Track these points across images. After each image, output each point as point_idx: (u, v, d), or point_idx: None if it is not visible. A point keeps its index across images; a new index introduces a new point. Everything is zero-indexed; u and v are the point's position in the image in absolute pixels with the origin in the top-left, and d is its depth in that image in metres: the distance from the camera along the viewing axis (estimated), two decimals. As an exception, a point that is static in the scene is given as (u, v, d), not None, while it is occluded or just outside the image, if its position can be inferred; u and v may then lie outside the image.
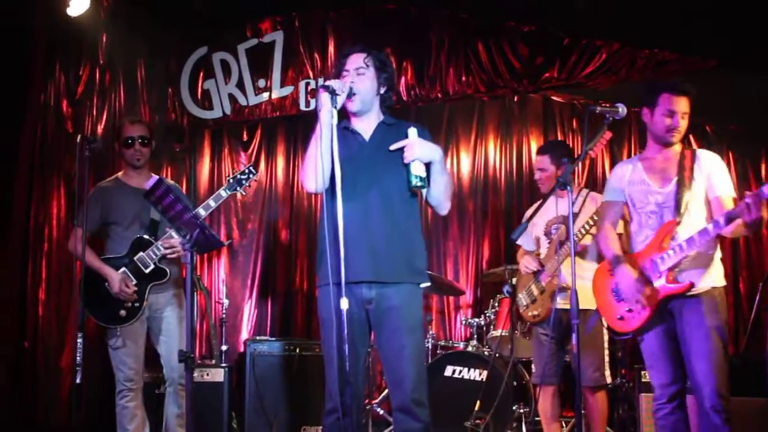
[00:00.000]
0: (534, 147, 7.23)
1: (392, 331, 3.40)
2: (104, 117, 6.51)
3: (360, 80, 3.51)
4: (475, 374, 5.51)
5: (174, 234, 4.41)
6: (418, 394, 3.38)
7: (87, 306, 4.49)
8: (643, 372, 5.31)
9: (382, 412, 5.92)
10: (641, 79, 6.04)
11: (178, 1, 6.48)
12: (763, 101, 5.81)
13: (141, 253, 4.54)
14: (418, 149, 3.40)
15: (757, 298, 5.67)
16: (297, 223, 6.94)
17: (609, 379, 4.91)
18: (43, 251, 6.21)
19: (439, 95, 6.35)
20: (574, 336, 3.51)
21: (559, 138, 7.15)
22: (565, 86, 6.39)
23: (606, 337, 4.84)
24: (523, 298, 5.11)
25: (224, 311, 6.10)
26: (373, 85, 3.56)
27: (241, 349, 6.40)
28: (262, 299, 6.82)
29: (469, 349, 5.80)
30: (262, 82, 6.56)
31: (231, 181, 4.67)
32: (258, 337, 6.32)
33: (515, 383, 5.56)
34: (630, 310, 3.86)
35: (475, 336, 6.00)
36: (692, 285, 3.73)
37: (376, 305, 3.41)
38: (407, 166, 3.41)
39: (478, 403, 5.22)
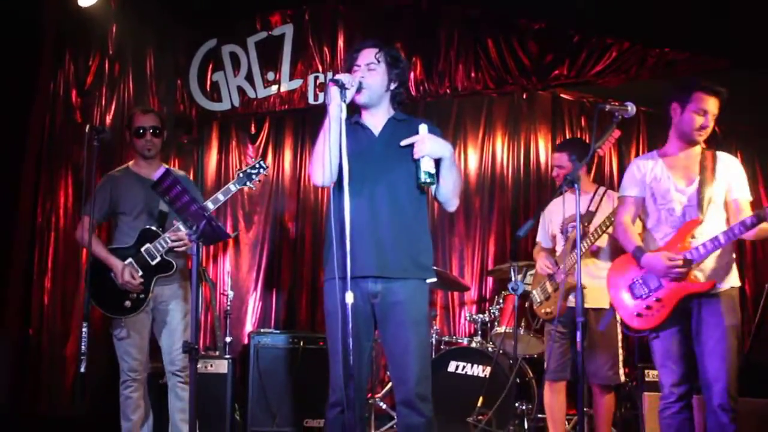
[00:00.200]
0: (542, 144, 7.24)
1: (397, 326, 3.41)
2: (113, 107, 6.52)
3: (370, 75, 3.51)
4: (479, 370, 5.52)
5: (181, 227, 4.41)
6: (422, 389, 3.38)
7: (92, 296, 4.50)
8: (646, 371, 5.32)
9: (384, 406, 5.93)
10: (651, 78, 6.02)
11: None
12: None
13: (148, 245, 4.54)
14: (429, 145, 3.39)
15: (763, 299, 5.66)
16: (303, 216, 6.94)
17: (623, 378, 4.91)
18: (49, 240, 6.22)
19: (448, 91, 6.33)
20: (578, 334, 3.50)
21: (567, 135, 7.16)
22: (575, 84, 6.37)
23: (620, 336, 4.84)
24: (537, 295, 5.12)
25: (229, 303, 6.11)
26: (384, 80, 3.55)
27: (246, 341, 6.41)
28: (267, 292, 6.82)
29: (473, 345, 5.80)
30: (271, 75, 6.55)
31: (241, 175, 4.66)
32: (262, 330, 6.33)
33: (518, 380, 5.56)
34: (649, 308, 3.87)
35: (480, 332, 6.00)
36: (715, 284, 3.75)
37: (382, 299, 3.41)
38: (417, 161, 3.41)
39: (481, 399, 5.22)
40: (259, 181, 4.74)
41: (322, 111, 3.46)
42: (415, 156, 3.41)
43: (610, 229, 4.65)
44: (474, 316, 6.14)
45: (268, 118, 6.98)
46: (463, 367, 5.56)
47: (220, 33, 6.64)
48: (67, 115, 6.39)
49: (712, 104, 3.86)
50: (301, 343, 5.83)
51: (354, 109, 3.50)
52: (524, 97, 7.20)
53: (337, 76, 3.30)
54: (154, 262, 4.54)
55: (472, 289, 6.92)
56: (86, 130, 4.61)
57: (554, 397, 4.96)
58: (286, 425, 5.72)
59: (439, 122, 6.66)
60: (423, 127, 3.44)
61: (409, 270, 3.44)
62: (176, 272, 4.61)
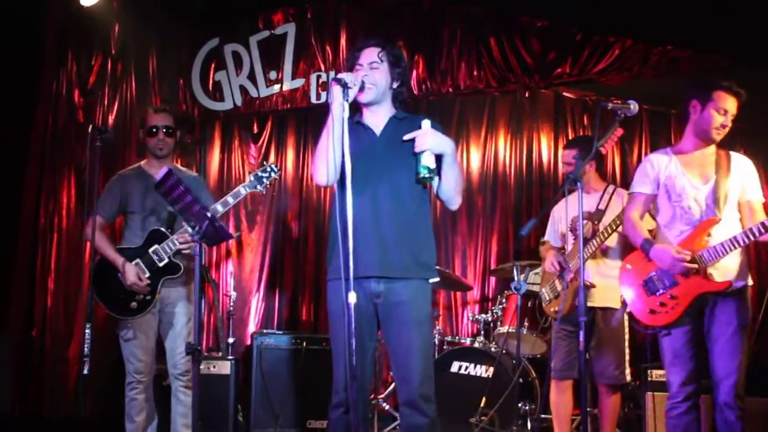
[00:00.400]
0: (545, 143, 7.23)
1: (400, 326, 3.40)
2: (115, 107, 6.52)
3: (373, 74, 3.50)
4: (482, 370, 5.51)
5: (189, 229, 4.38)
6: (425, 389, 3.38)
7: (99, 296, 4.49)
8: (650, 371, 5.31)
9: (387, 407, 5.92)
10: (654, 76, 6.01)
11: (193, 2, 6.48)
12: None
13: (156, 246, 4.51)
14: (430, 139, 3.39)
15: (766, 299, 5.63)
16: (306, 216, 6.93)
17: (629, 378, 4.90)
18: (52, 241, 6.22)
19: (451, 89, 6.32)
20: (581, 333, 3.49)
21: (570, 134, 7.15)
22: (577, 82, 6.35)
23: (627, 336, 4.84)
24: (546, 293, 5.12)
25: (232, 304, 6.11)
26: (386, 79, 3.55)
27: (248, 342, 6.40)
28: (269, 292, 6.81)
29: (476, 345, 5.80)
30: (273, 74, 6.55)
31: (252, 178, 4.63)
32: (265, 330, 6.31)
33: (521, 380, 5.55)
34: (663, 304, 3.88)
35: (482, 332, 5.99)
36: (731, 284, 3.77)
37: (385, 299, 3.40)
38: (417, 156, 3.40)
39: (483, 399, 5.21)
40: (270, 184, 4.70)
41: (324, 110, 3.46)
42: (416, 150, 3.40)
43: (620, 228, 4.64)
44: (477, 316, 6.13)
45: (270, 118, 6.97)
46: (466, 368, 5.55)
47: (222, 32, 6.63)
48: (70, 115, 6.40)
49: (731, 104, 3.88)
50: (304, 344, 5.83)
51: (355, 109, 3.49)
52: (527, 95, 7.19)
53: (340, 75, 3.30)
54: (161, 264, 4.51)
55: (474, 288, 6.91)
56: (89, 131, 4.61)
57: (560, 396, 4.95)
58: (289, 426, 5.72)
59: (441, 121, 6.58)
60: (426, 123, 3.44)
61: (412, 270, 3.43)
62: (183, 274, 4.58)
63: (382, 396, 5.97)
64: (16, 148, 6.10)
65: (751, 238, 3.70)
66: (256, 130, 7.01)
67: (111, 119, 6.48)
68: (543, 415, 5.50)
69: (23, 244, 6.14)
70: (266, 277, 6.82)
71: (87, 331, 4.37)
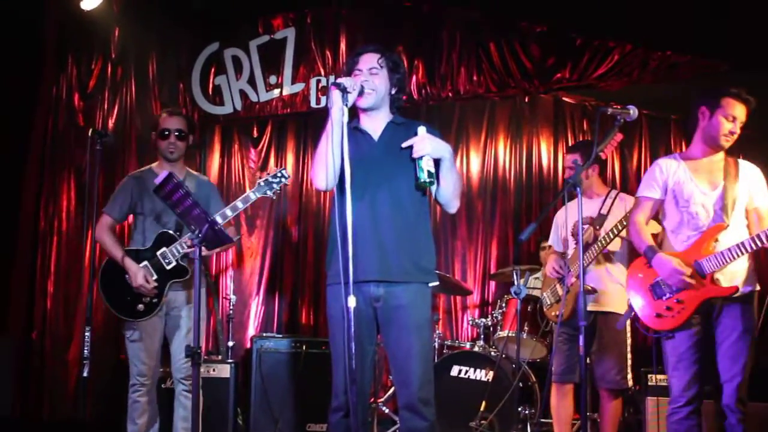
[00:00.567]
0: (544, 148, 7.24)
1: (400, 330, 3.40)
2: (115, 111, 6.53)
3: (372, 80, 3.51)
4: (482, 374, 5.51)
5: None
6: (425, 393, 3.38)
7: (106, 297, 4.48)
8: (650, 375, 5.31)
9: (387, 410, 5.92)
10: (653, 81, 6.02)
11: (190, 4, 6.48)
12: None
13: (164, 248, 4.49)
14: (429, 144, 3.39)
15: (766, 303, 5.64)
16: (306, 220, 6.94)
17: (630, 383, 4.90)
18: (52, 244, 6.23)
19: (450, 94, 6.33)
20: (581, 338, 3.49)
21: (570, 139, 7.16)
22: (577, 87, 6.35)
23: (629, 341, 4.84)
24: (547, 298, 5.12)
25: (231, 307, 6.11)
26: (386, 85, 3.56)
27: (248, 345, 6.40)
28: (269, 296, 6.82)
29: (476, 349, 5.80)
30: (273, 79, 6.55)
31: (261, 183, 4.59)
32: (265, 334, 6.32)
33: (521, 384, 5.55)
34: (669, 308, 3.89)
35: (482, 336, 5.99)
36: (737, 289, 3.79)
37: (384, 303, 3.41)
38: (416, 161, 3.41)
39: (483, 403, 5.21)
40: (280, 190, 4.67)
41: (324, 114, 3.46)
42: (415, 155, 3.40)
43: (623, 233, 4.66)
44: (476, 320, 6.14)
45: (270, 122, 6.98)
46: (466, 372, 5.55)
47: (222, 37, 6.64)
48: (70, 119, 6.41)
49: (740, 111, 3.90)
50: (304, 348, 5.83)
51: (352, 114, 3.49)
52: (526, 100, 7.20)
53: (339, 80, 3.30)
54: (169, 267, 4.49)
55: (474, 293, 6.91)
56: (89, 134, 4.62)
57: (561, 400, 4.95)
58: (288, 429, 5.72)
59: (441, 126, 6.65)
60: (422, 129, 3.44)
61: (412, 274, 3.44)
62: (190, 278, 4.55)
63: (382, 400, 5.96)
64: (17, 151, 6.10)
65: (759, 244, 3.72)
66: (255, 134, 7.02)
67: (111, 123, 6.49)
68: (543, 420, 5.50)
69: (23, 246, 6.15)
70: (266, 280, 6.82)
71: (87, 333, 4.38)
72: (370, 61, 3.54)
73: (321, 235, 6.77)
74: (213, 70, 6.62)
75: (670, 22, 5.63)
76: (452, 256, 7.04)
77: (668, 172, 4.03)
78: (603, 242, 4.72)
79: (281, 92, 6.53)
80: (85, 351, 4.39)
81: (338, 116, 3.26)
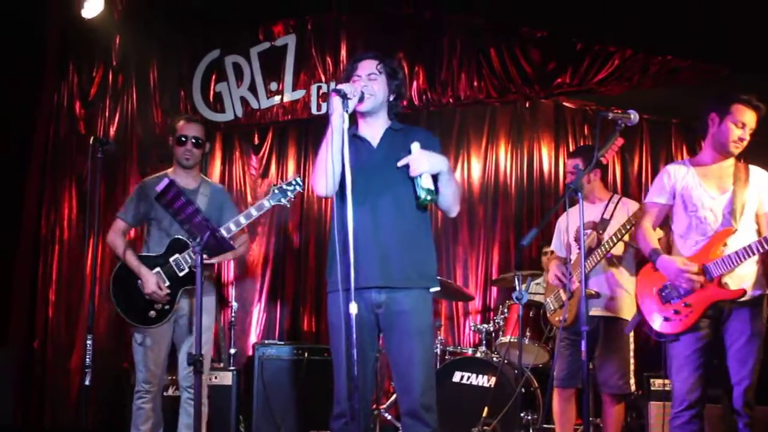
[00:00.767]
0: (545, 153, 7.23)
1: (402, 336, 3.40)
2: (117, 119, 6.55)
3: (372, 85, 3.51)
4: (484, 380, 5.50)
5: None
6: (427, 399, 3.37)
7: (117, 303, 4.46)
8: (652, 380, 5.31)
9: (389, 417, 5.90)
10: (654, 86, 6.02)
11: (190, 4, 6.49)
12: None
13: (177, 255, 4.46)
14: (425, 163, 3.38)
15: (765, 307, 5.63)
16: (307, 227, 6.94)
17: (633, 387, 4.89)
18: (54, 252, 6.24)
19: (451, 100, 6.33)
20: (583, 343, 3.48)
21: (570, 143, 7.16)
22: (577, 92, 6.36)
23: (632, 346, 4.83)
24: (551, 303, 5.11)
25: (233, 314, 6.11)
26: (384, 91, 3.56)
27: (250, 352, 6.40)
28: (271, 303, 6.81)
29: (478, 355, 5.78)
30: (274, 86, 6.56)
31: (276, 191, 4.57)
32: (267, 341, 6.31)
33: (523, 390, 5.54)
34: (677, 312, 3.88)
35: (484, 342, 5.98)
36: (745, 292, 3.79)
37: (386, 309, 3.40)
38: (414, 180, 3.40)
39: (486, 409, 5.20)
40: (294, 197, 4.65)
41: (324, 121, 3.46)
42: (412, 174, 3.39)
43: (626, 237, 4.66)
44: (478, 326, 6.13)
45: (271, 129, 6.99)
46: (468, 378, 5.54)
47: (223, 44, 6.66)
48: (71, 127, 6.43)
49: (750, 117, 3.91)
50: (306, 355, 5.82)
51: (351, 120, 3.49)
52: (527, 105, 7.20)
53: (340, 86, 3.30)
54: (181, 274, 4.46)
55: (476, 298, 6.90)
56: (90, 142, 4.62)
57: (563, 405, 4.94)
58: (290, 436, 5.72)
59: (442, 131, 6.69)
60: (415, 146, 3.41)
61: (413, 280, 3.43)
62: (203, 285, 4.53)
63: (384, 406, 5.95)
64: (18, 159, 6.12)
65: (766, 247, 3.71)
66: (256, 141, 7.03)
67: (112, 130, 6.51)
68: (545, 425, 5.48)
69: (24, 254, 6.16)
70: (267, 287, 6.82)
71: (89, 341, 4.36)
72: (368, 67, 3.55)
73: (322, 241, 6.77)
74: (214, 77, 6.64)
75: (671, 27, 5.63)
76: (454, 261, 7.03)
77: (676, 178, 4.04)
78: (606, 246, 4.71)
79: (282, 99, 6.55)
80: (87, 359, 4.37)
81: (339, 123, 3.26)
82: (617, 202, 4.97)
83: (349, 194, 3.09)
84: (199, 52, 6.67)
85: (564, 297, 4.94)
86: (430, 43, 6.36)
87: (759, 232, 3.91)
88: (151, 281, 4.40)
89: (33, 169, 6.24)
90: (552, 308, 5.12)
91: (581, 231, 3.66)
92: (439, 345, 5.97)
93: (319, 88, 6.49)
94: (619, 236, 4.66)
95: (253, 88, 6.59)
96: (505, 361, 5.57)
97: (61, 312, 6.17)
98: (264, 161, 6.98)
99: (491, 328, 6.02)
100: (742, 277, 3.83)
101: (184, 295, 4.51)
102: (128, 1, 6.53)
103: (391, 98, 3.60)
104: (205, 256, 4.39)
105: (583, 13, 5.82)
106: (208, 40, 6.68)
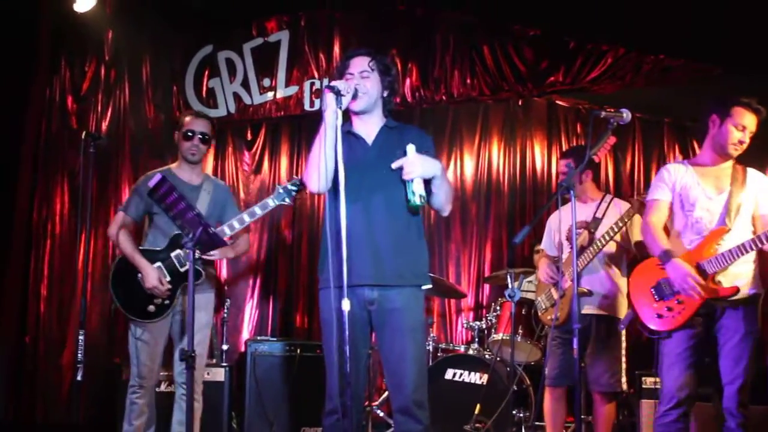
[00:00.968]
0: (538, 151, 7.24)
1: (394, 333, 3.41)
2: (109, 113, 6.53)
3: (364, 83, 3.51)
4: (476, 378, 5.51)
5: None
6: (419, 396, 3.38)
7: (116, 296, 4.43)
8: (644, 378, 5.32)
9: (382, 414, 5.91)
10: (646, 85, 6.04)
11: (188, 1, 6.47)
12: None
13: (179, 251, 4.43)
14: (419, 167, 3.37)
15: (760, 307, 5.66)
16: (299, 223, 6.93)
17: (625, 386, 4.90)
18: (45, 247, 6.22)
19: (444, 98, 6.34)
20: (575, 340, 3.49)
21: (563, 142, 7.17)
22: (570, 90, 6.38)
23: (624, 344, 4.85)
24: (542, 302, 5.12)
25: (226, 311, 6.10)
26: (378, 88, 3.56)
27: (242, 348, 6.39)
28: (263, 299, 6.80)
29: (470, 352, 5.79)
30: (267, 82, 6.55)
31: (281, 191, 4.55)
32: (259, 337, 6.31)
33: (515, 388, 5.55)
34: (670, 309, 3.90)
35: (477, 339, 5.99)
36: (738, 290, 3.80)
37: (379, 307, 3.41)
38: (407, 183, 3.39)
39: (478, 406, 5.21)
40: (298, 197, 4.64)
41: (317, 117, 3.46)
42: (405, 178, 3.38)
43: (617, 237, 4.68)
44: (471, 323, 6.13)
45: (264, 125, 6.97)
46: (460, 375, 5.55)
47: (216, 39, 6.64)
48: (63, 121, 6.41)
49: (750, 120, 3.93)
50: (298, 351, 5.82)
51: (345, 117, 3.49)
52: (520, 103, 7.20)
53: (333, 83, 3.30)
54: (183, 269, 4.43)
55: (468, 296, 6.91)
56: (82, 137, 4.60)
57: (554, 404, 4.95)
58: (282, 433, 5.72)
59: (434, 129, 6.69)
60: (411, 148, 3.40)
61: (406, 277, 3.44)
62: (203, 281, 4.52)
63: (377, 403, 5.96)
64: (10, 154, 6.09)
65: (759, 245, 3.73)
66: (249, 137, 7.01)
67: (104, 125, 6.49)
68: (537, 423, 5.50)
69: (16, 249, 6.13)
70: (260, 284, 6.81)
71: (80, 337, 4.35)
72: (360, 64, 3.54)
73: (315, 238, 6.76)
74: (207, 72, 6.62)
75: (664, 26, 5.65)
76: (446, 259, 7.03)
77: (676, 176, 4.06)
78: (598, 245, 4.72)
79: (275, 95, 6.54)
80: (79, 355, 4.36)
81: (332, 119, 3.26)
82: (609, 202, 4.98)
83: (342, 192, 3.09)
84: (192, 48, 6.65)
85: (555, 296, 4.95)
86: (423, 41, 6.36)
87: (755, 233, 3.92)
88: (153, 276, 4.37)
89: (25, 164, 6.22)
90: (543, 307, 5.13)
91: (573, 229, 3.67)
92: (431, 342, 5.97)
93: (312, 84, 6.49)
94: (612, 234, 4.67)
95: (246, 84, 6.57)
96: (498, 359, 5.59)
97: (53, 307, 6.15)
98: (257, 157, 6.96)
99: (484, 326, 6.02)
100: (736, 276, 3.84)
101: (185, 291, 4.46)
102: (121, -5, 6.52)
103: (385, 95, 3.60)
104: (214, 253, 4.44)
105: (576, 12, 5.83)
106: (201, 36, 6.66)
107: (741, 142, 3.94)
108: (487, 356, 5.71)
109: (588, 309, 4.79)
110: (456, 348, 6.10)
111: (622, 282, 4.80)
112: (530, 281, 6.03)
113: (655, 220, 4.06)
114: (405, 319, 3.41)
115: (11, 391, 5.98)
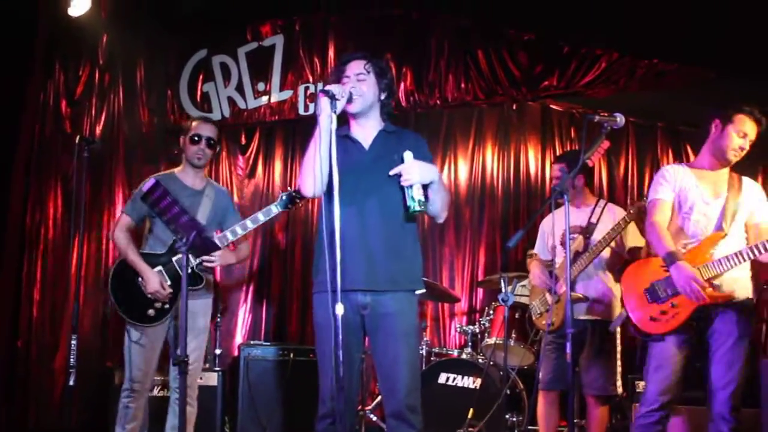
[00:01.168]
0: (532, 155, 7.25)
1: (387, 337, 3.40)
2: (103, 118, 6.52)
3: (360, 86, 3.51)
4: (469, 382, 5.50)
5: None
6: (412, 401, 3.38)
7: (116, 300, 4.40)
8: (637, 382, 5.32)
9: (375, 418, 5.90)
10: (640, 89, 6.05)
11: (178, 4, 6.47)
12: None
13: (180, 255, 4.42)
14: (417, 173, 3.38)
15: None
16: (293, 227, 6.92)
17: (620, 390, 4.90)
18: (38, 251, 6.20)
19: (438, 102, 6.34)
20: (568, 345, 3.50)
21: (557, 146, 7.18)
22: (564, 95, 6.39)
23: (619, 348, 4.85)
24: (537, 307, 5.12)
25: (219, 315, 6.09)
26: (374, 91, 3.56)
27: (236, 353, 6.38)
28: (257, 303, 6.79)
29: (464, 356, 5.79)
30: (261, 86, 6.55)
31: (284, 197, 4.55)
32: (252, 342, 6.30)
33: (508, 392, 5.55)
34: (664, 312, 3.91)
35: (470, 343, 5.99)
36: (732, 295, 3.82)
37: (372, 311, 3.41)
38: (405, 189, 3.40)
39: (471, 410, 5.20)
40: (301, 204, 4.63)
41: (312, 122, 3.46)
42: (403, 184, 3.39)
43: (612, 243, 4.70)
44: (464, 328, 6.12)
45: (258, 129, 6.97)
46: (454, 379, 5.54)
47: (210, 43, 6.64)
48: (57, 125, 6.40)
49: (751, 128, 3.95)
50: (291, 355, 5.81)
51: (342, 122, 3.49)
52: (514, 107, 7.21)
53: (328, 87, 3.30)
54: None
55: (462, 300, 6.91)
56: (76, 141, 4.59)
57: (547, 408, 4.95)
58: (275, 437, 5.71)
59: (429, 133, 6.68)
60: (408, 155, 3.41)
61: (399, 282, 3.44)
62: (204, 287, 4.50)
63: (370, 407, 5.95)
64: (3, 158, 6.08)
65: (755, 254, 3.75)
66: (243, 141, 7.01)
67: (98, 130, 6.48)
68: (530, 427, 5.49)
69: (9, 253, 6.12)
70: (253, 288, 6.80)
71: (73, 341, 4.34)
72: (356, 67, 3.54)
73: (309, 242, 6.76)
74: (201, 76, 6.62)
75: (657, 31, 5.66)
76: (440, 263, 7.03)
77: (676, 176, 4.08)
78: (594, 251, 4.73)
79: (269, 99, 6.54)
80: (71, 359, 4.35)
81: (326, 123, 3.26)
82: (603, 207, 4.99)
83: (337, 196, 3.09)
84: (187, 52, 6.65)
85: (550, 301, 4.95)
86: (417, 45, 6.36)
87: (748, 240, 3.95)
88: (154, 280, 4.35)
89: (18, 168, 6.20)
90: (538, 312, 5.12)
91: (567, 233, 3.67)
92: (424, 346, 5.96)
93: (306, 88, 6.49)
94: (608, 240, 4.67)
95: (240, 88, 6.57)
96: (491, 363, 5.58)
97: (46, 311, 6.14)
98: (251, 161, 6.96)
99: (477, 330, 6.02)
100: (731, 282, 3.85)
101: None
102: (115, -1, 6.52)
103: (382, 97, 3.60)
104: (215, 259, 4.43)
105: (571, 17, 5.84)
106: (196, 40, 6.66)
107: (741, 149, 3.96)
108: (480, 360, 5.71)
109: (585, 315, 4.79)
110: (449, 352, 6.10)
111: (617, 287, 4.81)
112: (524, 285, 6.03)
113: (659, 220, 4.04)
114: (398, 323, 3.41)
115: (3, 395, 5.96)
